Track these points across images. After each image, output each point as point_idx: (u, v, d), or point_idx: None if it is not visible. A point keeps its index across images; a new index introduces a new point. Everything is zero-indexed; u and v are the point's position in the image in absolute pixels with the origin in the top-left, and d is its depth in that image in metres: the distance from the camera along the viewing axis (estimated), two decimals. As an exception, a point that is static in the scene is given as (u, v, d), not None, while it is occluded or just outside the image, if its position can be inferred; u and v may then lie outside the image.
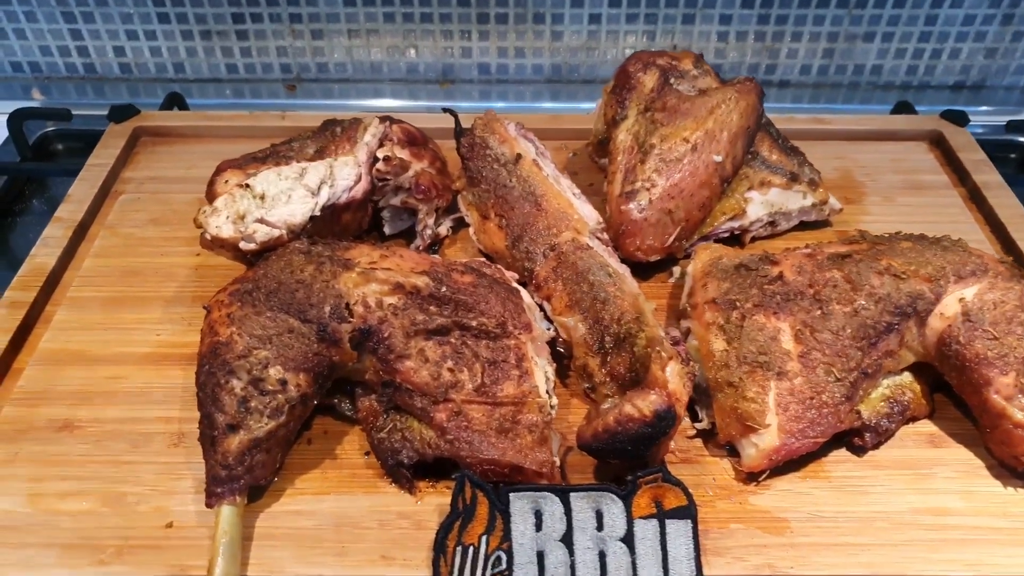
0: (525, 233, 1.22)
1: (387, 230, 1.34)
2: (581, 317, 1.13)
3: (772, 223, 1.36)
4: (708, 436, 1.11)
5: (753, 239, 1.37)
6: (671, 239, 1.27)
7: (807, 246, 1.17)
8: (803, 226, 1.40)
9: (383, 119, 1.31)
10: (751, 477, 1.06)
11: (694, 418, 1.13)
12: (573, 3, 1.82)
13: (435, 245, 1.35)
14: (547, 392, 1.07)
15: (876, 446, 1.09)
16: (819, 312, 1.07)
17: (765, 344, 1.06)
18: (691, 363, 1.08)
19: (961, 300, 1.07)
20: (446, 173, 1.36)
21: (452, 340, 1.05)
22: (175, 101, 1.75)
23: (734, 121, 1.28)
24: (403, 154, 1.28)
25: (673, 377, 1.03)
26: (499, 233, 1.25)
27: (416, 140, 1.32)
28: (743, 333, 1.07)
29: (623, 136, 1.31)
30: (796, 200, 1.34)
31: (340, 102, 1.91)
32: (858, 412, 1.07)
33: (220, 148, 1.50)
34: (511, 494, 0.97)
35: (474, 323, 1.06)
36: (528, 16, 1.84)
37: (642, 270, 1.33)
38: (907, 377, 1.12)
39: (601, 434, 0.99)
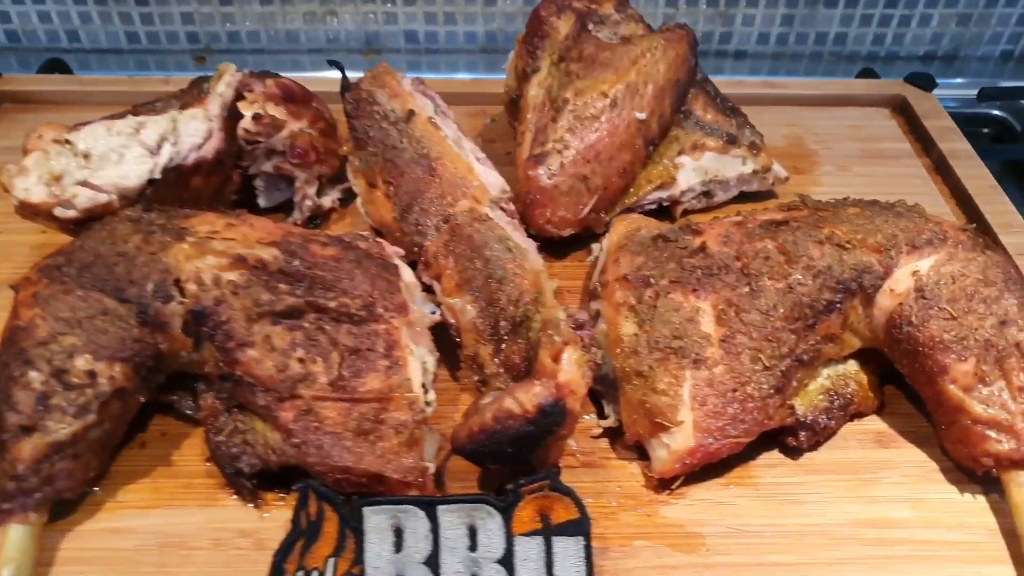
0: (415, 202, 1.05)
1: (262, 202, 1.17)
2: (471, 298, 0.95)
3: (707, 193, 1.19)
4: (616, 436, 0.94)
5: (686, 212, 1.20)
6: (586, 210, 1.10)
7: (738, 213, 1.01)
8: (744, 198, 1.23)
9: (260, 74, 1.14)
10: (664, 484, 0.89)
11: (601, 415, 0.96)
12: (506, -38, 1.66)
13: (316, 219, 1.18)
14: (423, 386, 0.89)
15: (813, 447, 0.92)
16: (747, 289, 0.91)
17: (681, 327, 0.89)
18: (594, 350, 0.91)
19: (915, 274, 0.90)
20: (332, 136, 1.19)
21: (305, 325, 0.88)
22: (56, 67, 1.57)
23: (661, 73, 1.11)
24: (277, 111, 1.11)
25: (569, 365, 0.86)
26: (386, 203, 1.08)
27: (295, 97, 1.15)
28: (656, 314, 0.90)
29: (534, 91, 1.14)
30: (734, 166, 1.18)
31: (254, 74, 1.74)
32: (791, 407, 0.90)
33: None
34: (365, 508, 0.80)
35: (333, 304, 0.88)
36: (457, -23, 1.68)
37: (557, 248, 1.16)
38: (852, 366, 0.96)
39: (477, 434, 0.82)
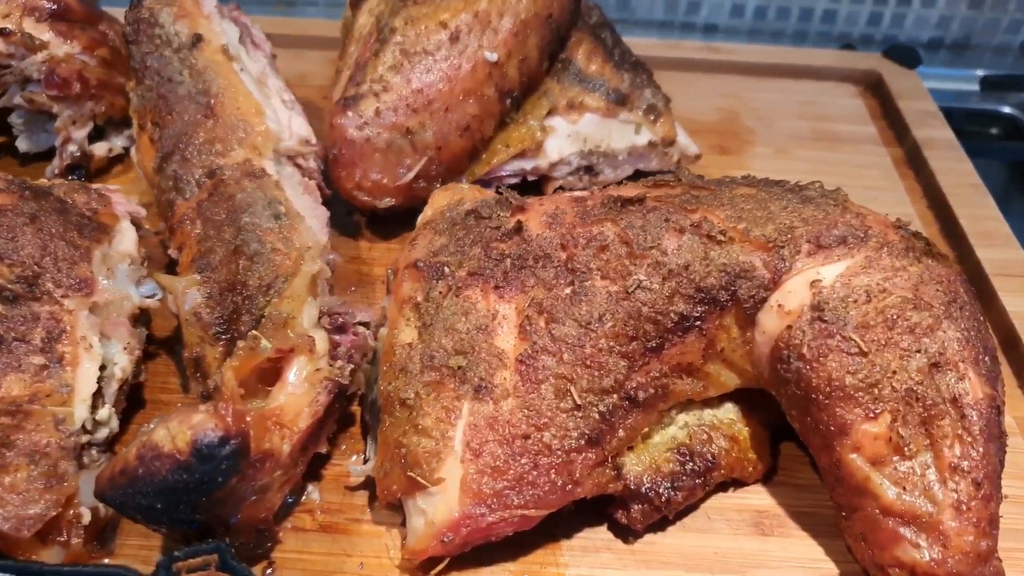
0: (178, 148, 0.79)
1: (22, 146, 0.92)
2: (201, 280, 0.69)
3: (589, 169, 0.91)
4: (380, 488, 0.66)
5: (562, 191, 0.92)
6: (410, 175, 0.83)
7: (588, 188, 0.73)
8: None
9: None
10: (425, 567, 0.61)
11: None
12: None
13: (80, 169, 0.91)
14: (98, 397, 0.63)
15: (654, 527, 0.64)
16: (568, 290, 0.63)
17: (468, 337, 0.62)
18: (340, 364, 0.64)
19: (814, 284, 0.61)
20: (120, 69, 0.93)
21: (-67, 298, 0.62)
22: None
23: (524, 3, 0.84)
24: (36, 29, 0.86)
25: (294, 384, 0.59)
26: (150, 149, 0.82)
27: (71, 15, 0.90)
28: (439, 317, 0.63)
29: (363, 19, 0.88)
30: (624, 135, 0.90)
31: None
32: (617, 467, 0.62)
33: None
34: (-62, 575, 0.54)
35: (-27, 272, 0.62)
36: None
37: (387, 225, 0.89)
38: (726, 413, 0.67)
39: (118, 476, 0.55)
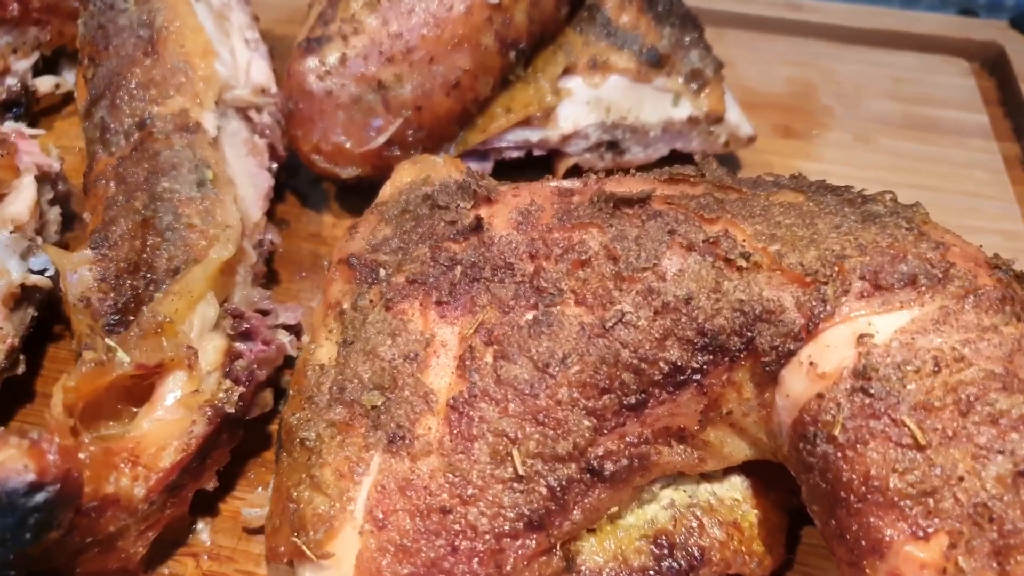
0: (108, 91, 0.67)
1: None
2: (94, 258, 0.56)
3: (613, 145, 0.74)
4: (280, 535, 0.53)
5: (577, 172, 0.75)
6: (380, 138, 0.68)
7: (581, 177, 0.57)
8: (678, 163, 0.77)
9: None
10: (314, 648, 0.48)
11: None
12: None
13: (18, 106, 0.80)
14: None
15: (615, 631, 0.49)
16: (529, 316, 0.48)
17: (391, 367, 0.48)
18: (228, 386, 0.50)
19: (862, 339, 0.44)
20: (74, -9, 0.81)
21: None
22: None
23: (540, -68, 0.67)
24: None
25: (166, 408, 0.47)
26: (83, 88, 0.70)
27: (17, -78, 0.77)
28: (362, 335, 0.49)
29: (346, -53, 0.72)
30: (658, 105, 0.72)
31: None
32: (568, 557, 0.47)
33: None
34: None
35: None
36: None
37: (359, 198, 0.75)
38: (732, 490, 0.52)
39: (-80, 512, 0.43)
